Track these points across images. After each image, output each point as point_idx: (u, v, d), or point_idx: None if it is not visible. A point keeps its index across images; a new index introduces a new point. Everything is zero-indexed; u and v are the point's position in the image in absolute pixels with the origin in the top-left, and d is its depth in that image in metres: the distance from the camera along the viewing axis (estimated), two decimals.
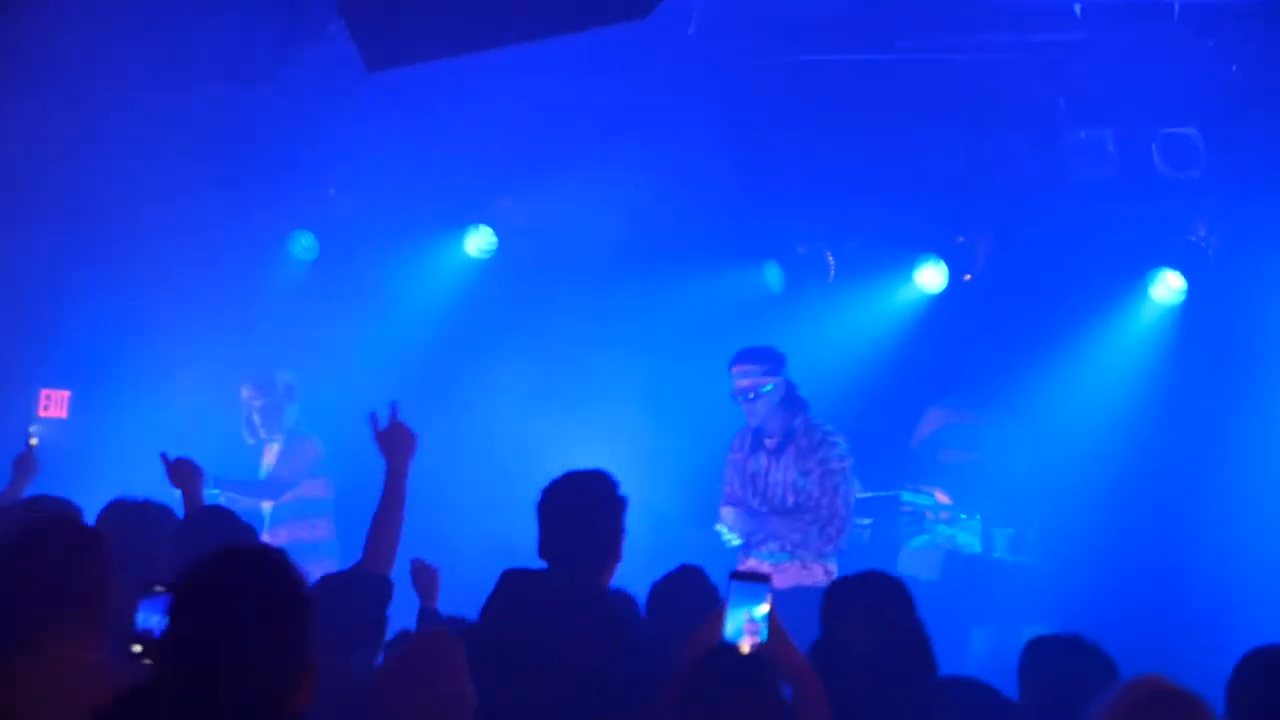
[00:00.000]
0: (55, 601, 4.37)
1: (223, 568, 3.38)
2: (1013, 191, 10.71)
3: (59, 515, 4.71)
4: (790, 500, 9.49)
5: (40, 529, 4.56)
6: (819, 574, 9.34)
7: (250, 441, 11.02)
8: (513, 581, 5.44)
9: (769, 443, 9.63)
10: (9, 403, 11.05)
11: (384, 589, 5.99)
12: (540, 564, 5.51)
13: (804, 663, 4.84)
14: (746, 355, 9.68)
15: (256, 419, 10.82)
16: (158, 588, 4.54)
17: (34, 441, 7.82)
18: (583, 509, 5.46)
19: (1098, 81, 9.89)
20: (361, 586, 5.97)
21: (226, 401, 11.06)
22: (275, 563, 3.41)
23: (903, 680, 4.98)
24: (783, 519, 9.44)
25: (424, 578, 6.70)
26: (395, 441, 6.47)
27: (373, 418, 6.54)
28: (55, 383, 11.55)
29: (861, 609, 5.06)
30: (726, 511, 9.68)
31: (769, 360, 9.62)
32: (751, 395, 9.57)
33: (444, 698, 4.80)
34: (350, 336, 11.78)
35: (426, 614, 6.57)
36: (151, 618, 4.51)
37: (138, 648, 4.47)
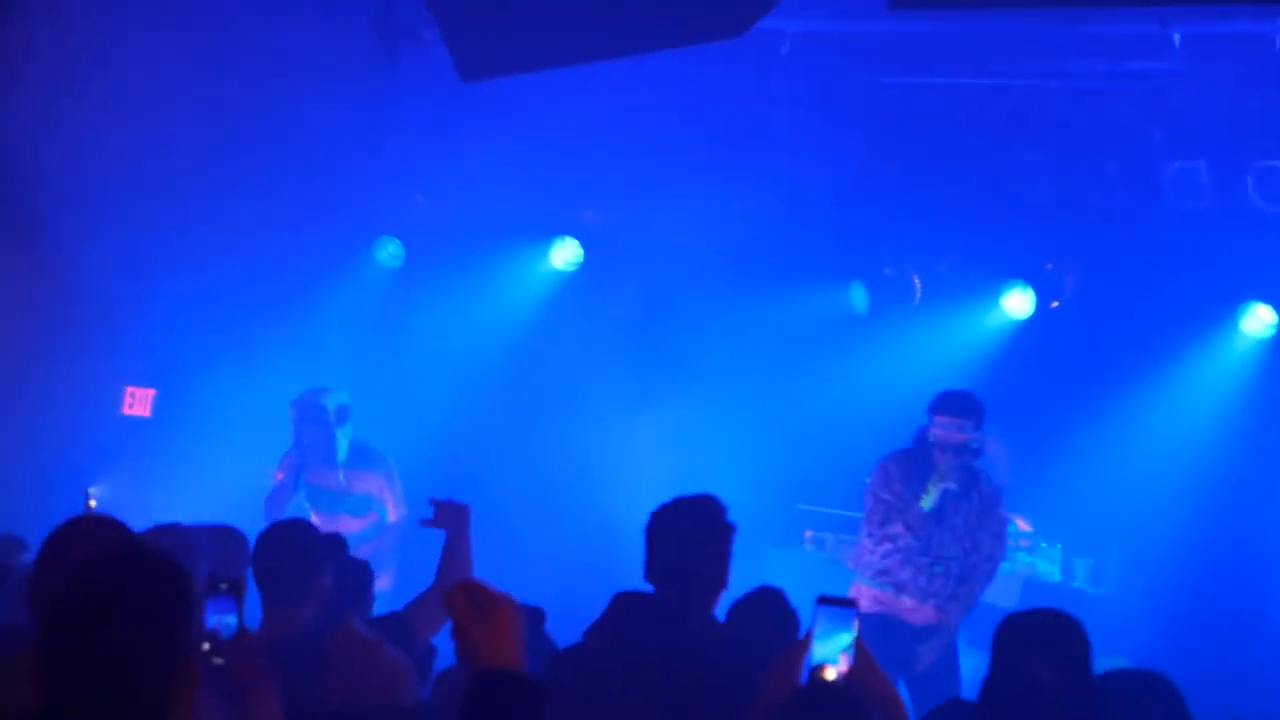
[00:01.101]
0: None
1: (93, 575, 3.39)
2: (1104, 220, 10.64)
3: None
4: (968, 549, 9.12)
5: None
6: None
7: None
8: (623, 604, 5.45)
9: (951, 486, 9.05)
10: (97, 397, 11.15)
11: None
12: (647, 587, 5.51)
13: (893, 692, 4.81)
14: (960, 407, 9.12)
15: (306, 443, 10.26)
16: (223, 585, 4.59)
17: (93, 504, 7.85)
18: (691, 535, 5.43)
19: (1193, 112, 9.83)
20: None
21: None
22: (145, 563, 3.41)
23: None
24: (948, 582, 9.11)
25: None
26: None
27: None
28: (140, 380, 11.61)
29: (1052, 648, 5.01)
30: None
31: (978, 414, 9.10)
32: (963, 450, 9.03)
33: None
34: (433, 345, 11.82)
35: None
36: (217, 616, 4.55)
37: (206, 645, 4.51)
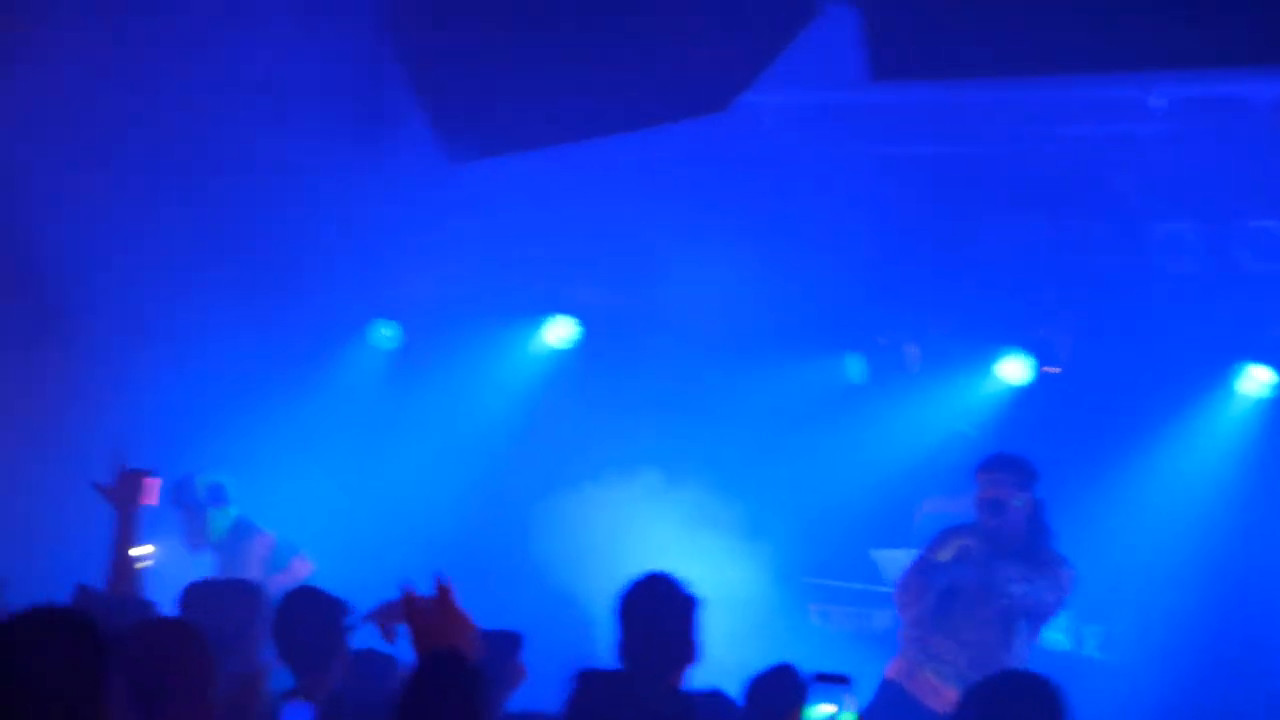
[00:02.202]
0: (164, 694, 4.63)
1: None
2: (1096, 284, 10.66)
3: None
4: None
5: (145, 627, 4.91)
6: None
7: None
8: (590, 683, 5.43)
9: (970, 544, 8.65)
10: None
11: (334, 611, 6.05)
12: (616, 665, 5.53)
13: None
14: (997, 463, 8.77)
15: (178, 524, 10.25)
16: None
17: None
18: (658, 612, 5.49)
19: (1180, 173, 9.85)
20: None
21: (310, 497, 11.03)
22: (44, 627, 3.43)
23: None
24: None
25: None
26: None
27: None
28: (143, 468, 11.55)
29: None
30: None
31: (1020, 472, 8.70)
32: (998, 507, 8.60)
33: None
34: (431, 425, 11.81)
35: None
36: None
37: None
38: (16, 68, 9.32)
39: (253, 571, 10.06)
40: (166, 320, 10.79)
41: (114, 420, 10.85)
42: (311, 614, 6.09)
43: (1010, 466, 8.70)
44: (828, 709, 4.51)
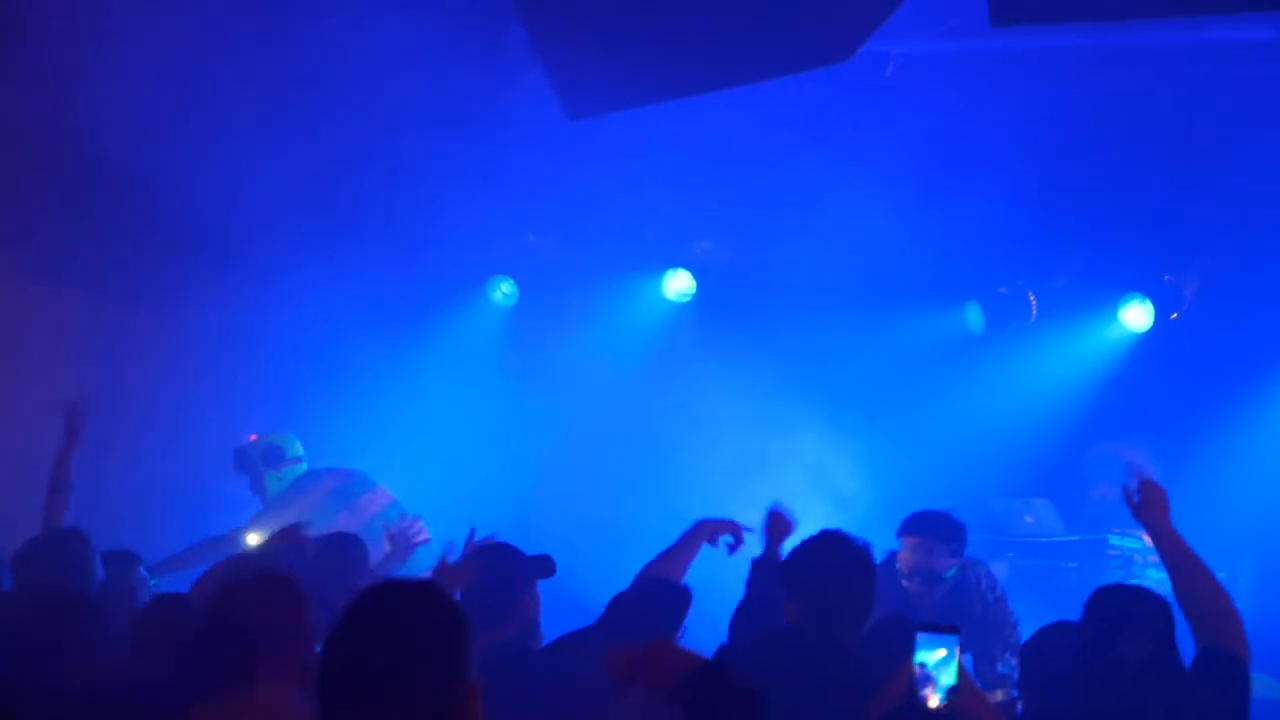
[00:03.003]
0: (255, 648, 4.65)
1: (360, 610, 3.48)
2: (1220, 229, 10.52)
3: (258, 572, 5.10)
4: None
5: (240, 584, 4.93)
6: None
7: None
8: (767, 642, 5.47)
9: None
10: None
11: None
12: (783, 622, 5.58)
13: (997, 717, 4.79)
14: (929, 527, 7.78)
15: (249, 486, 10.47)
16: None
17: None
18: (839, 573, 5.48)
19: None
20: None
21: (432, 447, 11.13)
22: (410, 598, 3.49)
23: (1177, 699, 4.93)
24: None
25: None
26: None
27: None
28: (262, 427, 11.74)
29: (1147, 624, 5.01)
30: None
31: (956, 539, 7.79)
32: (931, 580, 7.72)
33: None
34: (549, 380, 11.88)
35: None
36: None
37: None
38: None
39: (306, 511, 9.82)
40: (291, 275, 10.93)
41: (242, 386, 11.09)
42: (493, 571, 6.22)
43: (944, 532, 7.77)
44: (938, 655, 4.54)
